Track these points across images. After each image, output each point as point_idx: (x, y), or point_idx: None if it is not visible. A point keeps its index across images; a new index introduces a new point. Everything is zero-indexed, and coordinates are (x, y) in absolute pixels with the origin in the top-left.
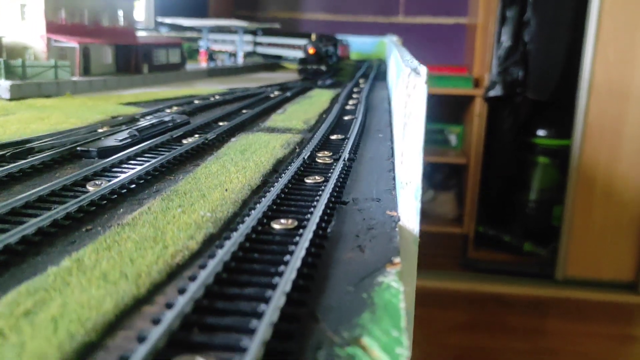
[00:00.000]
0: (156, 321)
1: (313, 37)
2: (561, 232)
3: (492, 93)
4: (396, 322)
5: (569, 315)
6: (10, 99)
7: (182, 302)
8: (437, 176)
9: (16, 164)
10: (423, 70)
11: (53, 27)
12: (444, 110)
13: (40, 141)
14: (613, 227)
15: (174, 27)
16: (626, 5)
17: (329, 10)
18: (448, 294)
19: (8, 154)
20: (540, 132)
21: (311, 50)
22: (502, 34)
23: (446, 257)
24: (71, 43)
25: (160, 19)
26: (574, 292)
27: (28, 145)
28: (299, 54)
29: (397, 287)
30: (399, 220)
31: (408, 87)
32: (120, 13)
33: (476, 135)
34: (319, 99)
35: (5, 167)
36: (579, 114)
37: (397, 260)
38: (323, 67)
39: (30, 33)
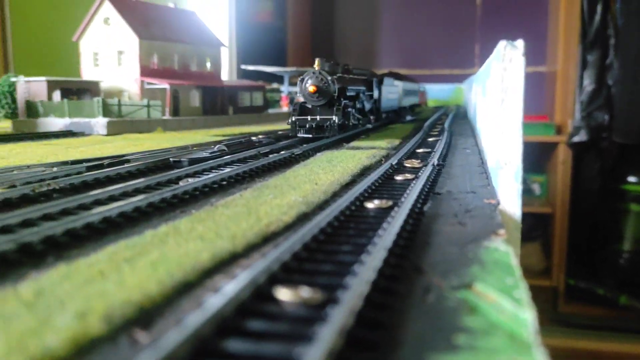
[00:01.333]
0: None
1: (317, 64)
2: None
3: (576, 139)
4: (510, 272)
5: None
6: (107, 134)
7: (277, 253)
8: (521, 226)
9: (114, 168)
10: (520, 42)
11: (146, 71)
12: (525, 159)
13: (135, 155)
14: None
15: (257, 75)
16: None
17: (405, 65)
18: None
19: (106, 162)
20: (631, 179)
21: (311, 88)
22: (584, 79)
23: (534, 311)
24: (162, 84)
25: (243, 67)
26: None
27: (124, 158)
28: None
29: (505, 249)
30: (498, 204)
31: (504, 61)
32: (208, 59)
33: (561, 183)
34: (402, 128)
35: (103, 170)
36: None
37: (502, 231)
38: (335, 118)
39: (126, 77)
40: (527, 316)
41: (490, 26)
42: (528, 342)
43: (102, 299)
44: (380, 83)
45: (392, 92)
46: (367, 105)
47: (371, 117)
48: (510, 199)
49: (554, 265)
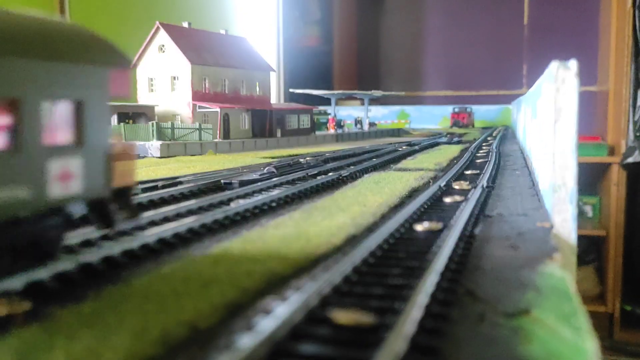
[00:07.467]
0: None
1: None
2: None
3: (630, 159)
4: (567, 299)
5: None
6: (160, 157)
7: (328, 275)
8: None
9: (166, 190)
10: (573, 63)
11: (198, 95)
12: (577, 181)
13: (187, 177)
14: None
15: (304, 98)
16: None
17: (451, 86)
18: None
19: (160, 184)
20: None
21: None
22: (637, 98)
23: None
24: (213, 108)
25: (291, 90)
26: None
27: (177, 179)
28: None
29: (561, 275)
30: (552, 228)
31: (557, 81)
32: (257, 83)
33: (614, 205)
34: (449, 149)
35: (157, 192)
36: None
37: (557, 255)
38: None
39: (178, 101)
40: (588, 346)
41: (538, 46)
42: None
43: (158, 319)
44: None
45: None
46: None
47: None
48: (564, 222)
49: (609, 291)
